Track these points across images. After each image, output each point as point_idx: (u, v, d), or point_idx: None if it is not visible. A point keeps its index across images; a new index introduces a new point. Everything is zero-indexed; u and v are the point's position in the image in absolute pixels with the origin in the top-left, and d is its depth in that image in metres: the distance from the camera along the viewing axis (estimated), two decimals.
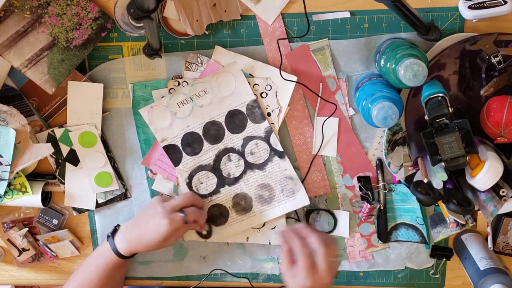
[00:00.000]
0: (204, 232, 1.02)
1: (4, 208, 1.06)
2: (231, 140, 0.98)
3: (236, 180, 1.00)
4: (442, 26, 0.92)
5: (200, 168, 1.00)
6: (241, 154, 0.99)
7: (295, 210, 1.02)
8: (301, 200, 1.00)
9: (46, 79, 0.95)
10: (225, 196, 1.01)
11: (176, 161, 0.99)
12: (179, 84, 0.97)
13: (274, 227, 1.02)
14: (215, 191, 1.00)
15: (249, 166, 0.99)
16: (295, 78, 0.94)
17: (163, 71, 0.98)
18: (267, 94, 0.96)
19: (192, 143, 0.99)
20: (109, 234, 0.97)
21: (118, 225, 0.98)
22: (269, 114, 0.97)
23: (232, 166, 0.99)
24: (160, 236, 0.91)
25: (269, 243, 1.03)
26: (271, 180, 0.99)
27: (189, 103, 0.97)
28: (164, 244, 0.94)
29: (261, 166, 0.99)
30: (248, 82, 0.95)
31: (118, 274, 0.99)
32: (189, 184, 1.00)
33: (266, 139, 0.98)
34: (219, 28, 0.95)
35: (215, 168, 1.00)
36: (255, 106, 0.96)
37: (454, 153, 0.83)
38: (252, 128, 0.98)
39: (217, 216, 1.01)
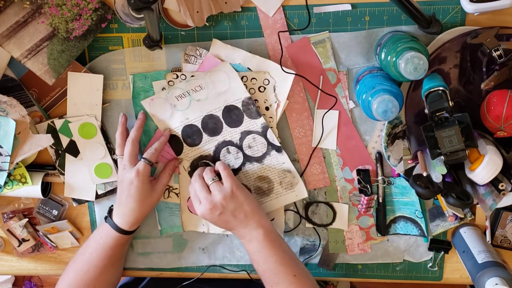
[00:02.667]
0: (188, 168, 1.00)
1: (4, 198, 1.07)
2: (229, 133, 0.98)
3: (235, 171, 1.00)
4: (443, 20, 0.91)
5: (201, 158, 1.00)
6: (239, 147, 0.99)
7: (295, 202, 1.02)
8: (300, 193, 1.00)
9: (46, 70, 0.94)
10: None
11: (178, 151, 1.00)
12: (177, 77, 0.97)
13: (273, 219, 1.03)
14: None
15: (247, 158, 0.99)
16: (292, 73, 0.94)
17: (163, 62, 0.97)
18: (265, 88, 0.96)
19: (191, 135, 0.99)
20: (106, 215, 0.98)
21: (112, 205, 1.00)
22: (267, 108, 0.97)
23: (231, 158, 1.00)
24: (138, 192, 0.93)
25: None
26: (269, 173, 1.00)
27: (186, 96, 0.97)
28: (153, 197, 0.95)
29: (259, 159, 0.99)
30: (246, 77, 0.95)
31: (120, 252, 1.00)
32: (190, 173, 1.00)
33: (263, 134, 0.98)
34: (220, 20, 0.95)
35: (215, 159, 1.00)
36: (250, 103, 0.96)
37: (453, 146, 0.83)
38: (249, 123, 0.98)
39: None
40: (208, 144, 0.99)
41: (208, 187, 0.93)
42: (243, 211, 0.92)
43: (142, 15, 0.88)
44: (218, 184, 0.92)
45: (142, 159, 0.94)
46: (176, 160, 0.99)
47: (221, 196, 0.91)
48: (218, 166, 0.95)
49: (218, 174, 0.95)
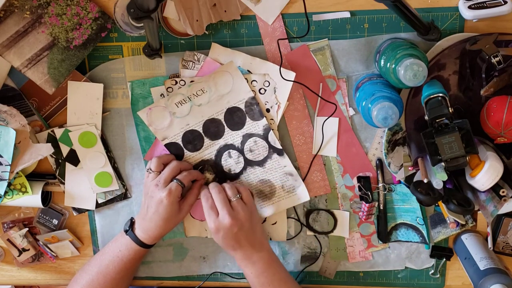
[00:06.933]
0: (210, 179, 1.01)
1: (4, 208, 1.06)
2: (231, 136, 0.99)
3: (237, 175, 1.00)
4: (442, 26, 0.92)
5: (203, 162, 1.00)
6: (241, 151, 0.99)
7: (295, 210, 1.02)
8: (302, 195, 1.00)
9: (46, 79, 0.95)
10: None
11: (178, 157, 1.00)
12: (176, 83, 0.97)
13: (275, 223, 1.02)
14: None
15: (248, 163, 0.99)
16: (293, 75, 0.94)
17: (163, 71, 0.98)
18: (265, 90, 0.96)
19: (192, 140, 0.99)
20: (127, 228, 0.98)
21: (133, 218, 0.99)
22: (268, 110, 0.97)
23: (232, 163, 1.00)
24: (167, 212, 0.93)
25: (270, 239, 1.03)
26: (271, 176, 1.00)
27: (187, 102, 0.97)
28: (179, 216, 0.96)
29: (260, 163, 0.99)
30: (246, 79, 0.95)
31: (136, 264, 1.01)
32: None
33: (265, 136, 0.98)
34: (219, 28, 0.95)
35: (216, 163, 1.00)
36: (254, 103, 0.96)
37: (454, 153, 0.83)
38: (251, 126, 0.98)
39: None
40: (209, 148, 0.99)
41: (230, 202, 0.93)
42: (256, 233, 0.94)
43: (141, 24, 0.88)
44: (241, 202, 0.93)
45: (175, 180, 0.94)
46: (203, 179, 0.99)
47: (244, 214, 0.92)
48: (240, 185, 0.96)
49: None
